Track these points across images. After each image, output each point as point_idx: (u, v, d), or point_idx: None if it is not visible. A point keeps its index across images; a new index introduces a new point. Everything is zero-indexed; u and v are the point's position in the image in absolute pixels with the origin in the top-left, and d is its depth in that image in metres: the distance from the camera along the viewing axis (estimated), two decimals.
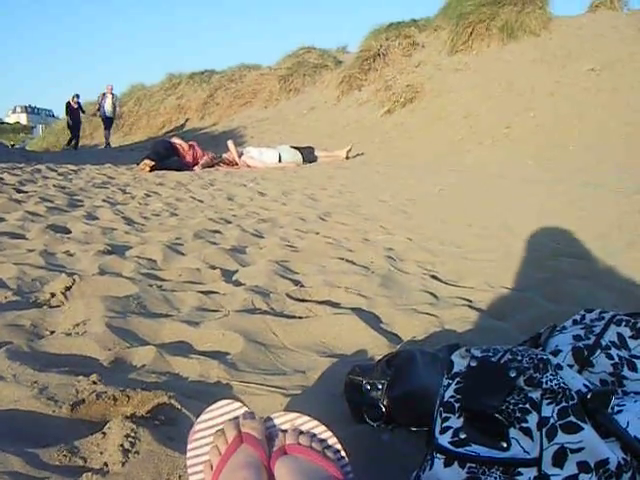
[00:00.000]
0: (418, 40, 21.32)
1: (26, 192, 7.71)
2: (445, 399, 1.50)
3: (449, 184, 9.41)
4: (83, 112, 27.87)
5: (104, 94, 27.45)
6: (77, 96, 27.50)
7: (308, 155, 14.85)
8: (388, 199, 8.09)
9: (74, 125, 27.56)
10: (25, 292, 3.41)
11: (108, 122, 27.94)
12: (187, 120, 28.33)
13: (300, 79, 25.19)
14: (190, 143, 14.33)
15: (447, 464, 1.42)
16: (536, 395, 1.40)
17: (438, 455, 1.45)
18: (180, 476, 1.63)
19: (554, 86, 15.10)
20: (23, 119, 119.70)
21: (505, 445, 1.36)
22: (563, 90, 14.82)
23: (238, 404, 1.56)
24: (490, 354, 1.52)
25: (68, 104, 27.17)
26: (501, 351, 1.51)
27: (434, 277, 3.99)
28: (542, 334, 1.84)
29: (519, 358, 1.46)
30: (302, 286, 3.71)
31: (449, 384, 1.52)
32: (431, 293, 3.60)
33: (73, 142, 27.84)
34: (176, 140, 14.56)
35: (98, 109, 27.80)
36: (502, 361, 1.48)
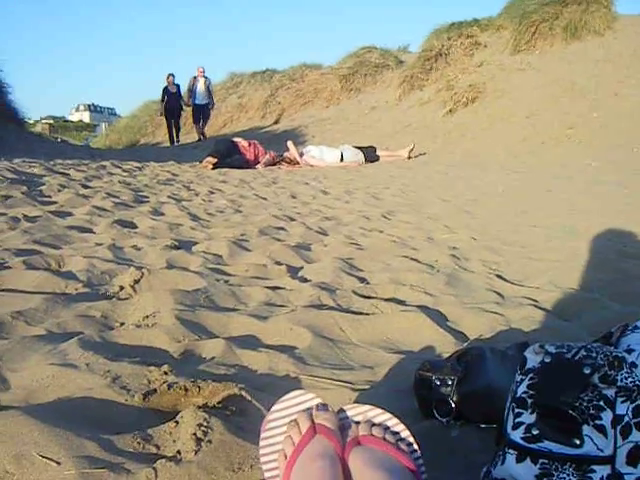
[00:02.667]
0: (480, 40, 21.14)
1: (92, 187, 7.83)
2: (518, 395, 1.49)
3: (512, 184, 9.33)
4: (182, 98, 24.33)
5: (195, 78, 23.89)
6: (172, 76, 23.96)
7: (370, 154, 14.82)
8: (451, 199, 8.05)
9: (172, 113, 24.16)
10: (95, 284, 3.46)
11: (200, 111, 24.25)
12: (249, 119, 28.38)
13: (361, 79, 25.12)
14: (251, 141, 14.38)
15: (519, 460, 1.42)
16: (611, 393, 1.39)
17: (510, 450, 1.44)
18: (252, 465, 1.65)
19: (618, 86, 14.87)
20: (86, 117, 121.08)
21: (578, 442, 1.35)
22: (627, 90, 14.58)
23: (311, 395, 1.57)
24: (564, 350, 1.51)
25: (165, 89, 23.84)
26: (575, 348, 1.50)
27: (499, 276, 3.96)
28: (613, 333, 1.82)
29: (594, 355, 1.45)
30: (368, 283, 3.72)
31: (522, 380, 1.51)
32: (497, 292, 3.58)
33: (175, 135, 24.79)
34: (237, 139, 14.63)
35: (189, 96, 24.00)
36: (577, 358, 1.47)
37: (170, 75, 23.83)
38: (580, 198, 7.58)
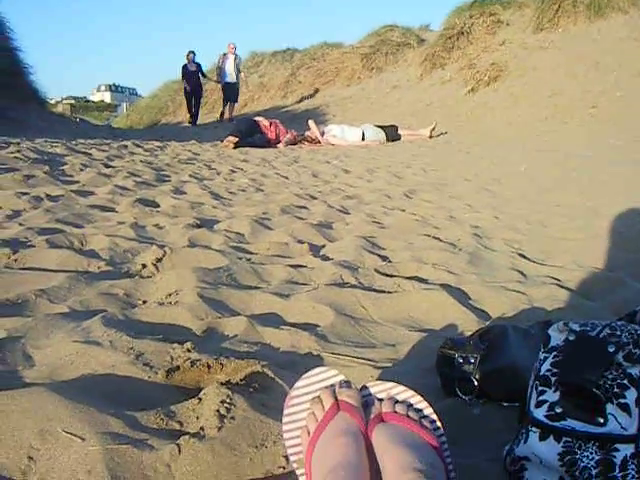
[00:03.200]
0: (502, 18, 20.95)
1: (114, 167, 7.85)
2: (541, 373, 1.49)
3: (534, 163, 9.27)
4: (204, 76, 23.45)
5: (225, 55, 22.88)
6: (193, 54, 22.84)
7: (391, 133, 14.79)
8: (473, 178, 8.03)
9: (193, 93, 23.32)
10: (117, 263, 3.48)
11: (229, 90, 23.12)
12: (270, 98, 28.30)
13: (382, 57, 25.02)
14: (272, 121, 14.37)
15: (542, 437, 1.42)
16: (635, 371, 1.38)
17: (533, 428, 1.44)
18: (275, 442, 1.65)
19: None
20: (107, 97, 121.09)
21: (602, 420, 1.36)
22: None
23: (334, 372, 1.57)
24: (589, 328, 1.50)
25: (184, 67, 22.77)
26: (600, 326, 1.49)
27: (521, 255, 3.95)
28: (637, 312, 1.81)
29: (618, 333, 1.45)
30: (390, 261, 3.72)
31: (545, 358, 1.51)
32: (519, 271, 3.57)
33: (191, 115, 23.90)
34: (258, 118, 14.62)
35: (218, 74, 23.08)
36: (601, 336, 1.47)
37: (190, 52, 22.86)
38: (603, 177, 7.54)
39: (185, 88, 23.34)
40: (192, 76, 22.87)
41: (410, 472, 1.23)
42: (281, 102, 27.06)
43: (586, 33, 17.33)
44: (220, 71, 22.97)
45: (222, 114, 24.11)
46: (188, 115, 24.35)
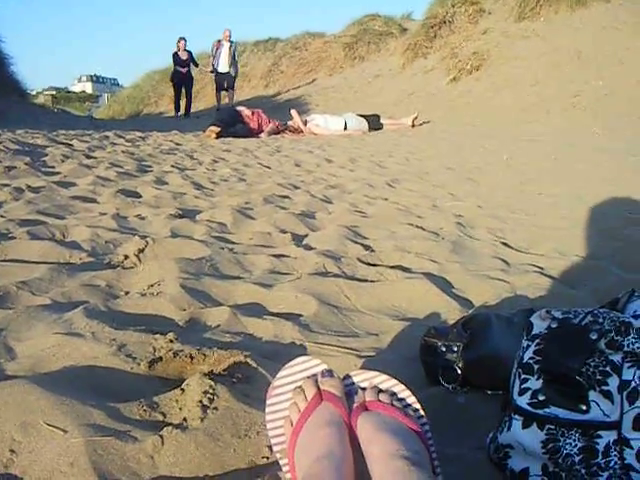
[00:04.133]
0: (485, 7, 20.97)
1: (95, 158, 7.81)
2: (524, 360, 1.50)
3: (517, 152, 9.30)
4: (195, 65, 22.21)
5: (219, 42, 21.69)
6: (184, 40, 21.72)
7: (374, 123, 14.78)
8: (455, 167, 8.04)
9: (183, 82, 22.03)
10: (99, 254, 3.47)
11: (223, 80, 21.91)
12: (252, 88, 28.24)
13: (365, 47, 25.04)
14: (254, 110, 14.33)
15: (525, 425, 1.43)
16: (617, 358, 1.39)
17: (516, 416, 1.45)
18: (258, 432, 1.65)
19: (624, 54, 14.76)
20: (89, 88, 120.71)
21: (585, 408, 1.37)
22: (633, 58, 14.47)
23: (317, 361, 1.57)
24: (571, 316, 1.51)
25: (175, 55, 21.70)
26: (582, 313, 1.50)
27: (504, 244, 3.96)
28: (620, 299, 1.81)
29: (600, 320, 1.46)
30: (373, 251, 3.72)
31: (528, 346, 1.51)
32: (502, 259, 3.58)
33: (183, 107, 22.51)
34: (240, 107, 14.59)
35: (212, 62, 21.78)
36: (583, 323, 1.47)
37: (181, 39, 21.78)
38: (585, 166, 7.57)
39: (174, 77, 22.27)
40: (183, 65, 21.85)
41: (398, 459, 1.23)
42: (263, 92, 27.04)
43: (568, 22, 17.37)
44: (214, 59, 21.75)
45: (219, 102, 22.62)
46: (173, 105, 23.45)
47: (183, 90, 22.43)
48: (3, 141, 8.27)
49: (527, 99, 14.97)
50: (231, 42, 21.72)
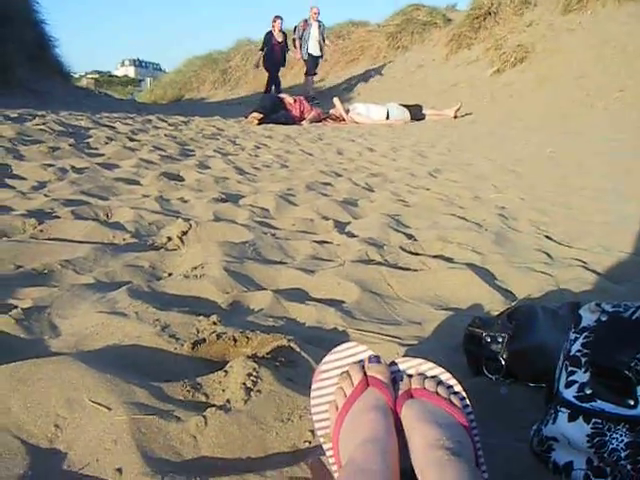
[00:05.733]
0: None
1: (139, 141, 7.85)
2: (572, 353, 1.47)
3: (560, 146, 9.23)
4: (287, 49, 19.69)
5: (305, 21, 19.39)
6: (280, 19, 19.12)
7: (416, 113, 14.75)
8: (498, 158, 8.00)
9: (272, 65, 19.50)
10: (142, 235, 3.49)
11: (316, 63, 20.00)
12: (294, 76, 28.17)
13: (408, 37, 24.83)
14: (297, 98, 14.33)
15: (571, 418, 1.40)
16: None
17: (562, 409, 1.43)
18: (301, 416, 1.65)
19: None
20: (131, 72, 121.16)
21: (632, 403, 1.34)
22: None
23: (363, 347, 1.56)
24: (621, 309, 1.49)
25: (269, 35, 19.17)
26: (633, 307, 1.48)
27: (547, 237, 3.94)
28: None
29: None
30: (415, 240, 3.71)
31: (576, 338, 1.49)
32: (545, 252, 3.55)
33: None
34: (283, 95, 14.59)
35: (300, 45, 19.37)
36: (634, 317, 1.45)
37: (277, 18, 19.22)
38: (629, 161, 7.49)
39: (267, 61, 19.49)
40: (277, 46, 19.29)
41: (438, 449, 1.22)
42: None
43: (615, 16, 17.12)
44: (301, 42, 19.44)
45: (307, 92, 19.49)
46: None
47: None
48: (47, 122, 8.33)
49: (571, 93, 14.81)
50: (319, 22, 19.53)
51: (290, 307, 2.50)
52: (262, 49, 19.41)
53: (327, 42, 20.10)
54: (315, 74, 20.63)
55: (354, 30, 28.01)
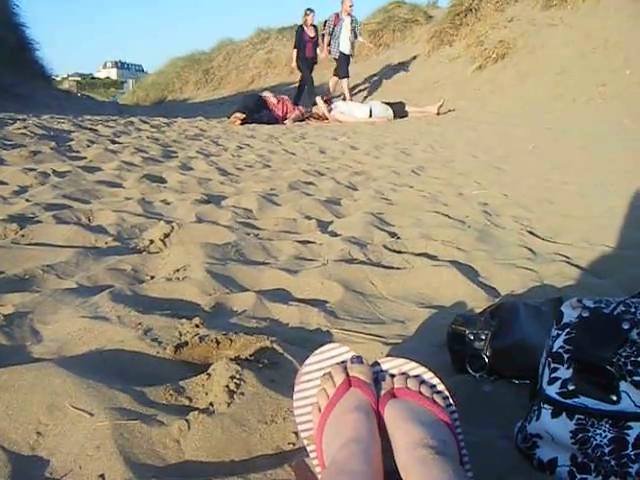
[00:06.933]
0: None
1: (121, 143, 7.83)
2: (554, 349, 1.48)
3: (543, 141, 9.27)
4: (318, 45, 17.51)
5: (337, 16, 17.24)
6: (312, 13, 17.19)
7: (399, 110, 14.76)
8: (481, 155, 8.03)
9: (305, 64, 17.40)
10: (125, 238, 3.48)
11: (344, 63, 17.56)
12: (277, 75, 28.14)
13: (390, 34, 24.86)
14: (280, 97, 14.31)
15: (555, 415, 1.41)
16: None
17: (545, 406, 1.43)
18: (284, 418, 1.65)
19: None
20: (113, 74, 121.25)
21: (615, 398, 1.35)
22: None
23: (346, 348, 1.56)
24: (603, 305, 1.49)
25: (301, 30, 17.30)
26: (614, 303, 1.48)
27: (530, 232, 3.96)
28: None
29: (633, 310, 1.44)
30: (398, 238, 3.71)
31: (558, 334, 1.50)
32: (528, 248, 3.57)
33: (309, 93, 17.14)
34: (266, 94, 14.53)
35: (329, 42, 17.30)
36: (615, 313, 1.45)
37: (310, 11, 17.27)
38: (612, 155, 7.52)
39: (298, 58, 17.47)
40: (309, 43, 17.39)
41: (421, 448, 1.22)
42: (288, 79, 26.95)
43: (595, 10, 17.18)
44: (330, 38, 17.37)
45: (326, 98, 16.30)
46: (297, 93, 17.87)
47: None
48: (29, 126, 8.31)
49: (553, 88, 14.87)
50: (352, 17, 17.35)
51: (273, 308, 2.50)
52: (295, 46, 17.44)
53: (361, 39, 18.04)
54: (348, 76, 18.07)
55: None
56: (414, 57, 22.17)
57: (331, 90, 18.14)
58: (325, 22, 17.67)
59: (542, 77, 15.69)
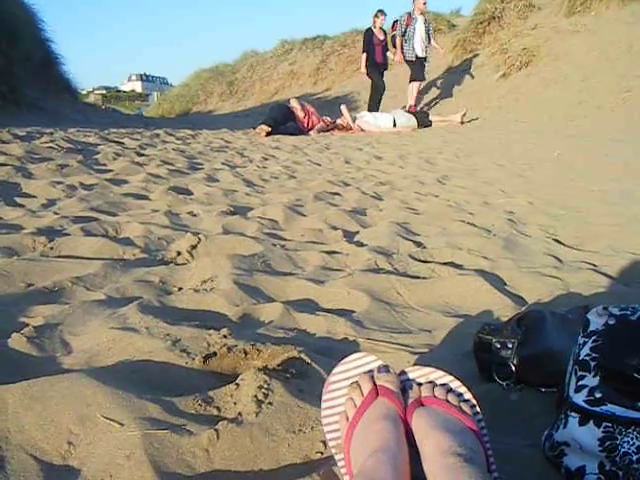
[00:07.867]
0: (534, 2, 20.69)
1: (147, 155, 7.87)
2: (581, 357, 1.48)
3: (567, 149, 9.22)
4: (387, 48, 16.59)
5: (409, 15, 16.00)
6: (384, 14, 16.28)
7: (423, 119, 14.74)
8: (506, 163, 8.00)
9: (375, 69, 16.59)
10: (152, 250, 3.50)
11: (419, 67, 16.44)
12: (301, 86, 28.17)
13: None
14: (306, 109, 14.21)
15: (582, 423, 1.41)
16: None
17: (573, 414, 1.43)
18: (312, 427, 1.65)
19: None
20: (138, 87, 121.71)
21: None
22: None
23: (373, 357, 1.56)
24: (629, 312, 1.49)
25: (369, 33, 16.36)
26: None
27: (556, 241, 3.94)
28: None
29: None
30: (424, 247, 3.71)
31: (585, 342, 1.50)
32: (555, 256, 3.55)
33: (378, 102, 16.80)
34: (293, 103, 14.35)
35: (401, 44, 16.07)
36: None
37: (381, 13, 16.31)
38: (637, 162, 7.47)
39: (367, 63, 16.54)
40: (379, 47, 16.44)
41: (450, 456, 1.22)
42: (312, 89, 27.00)
43: (619, 16, 17.08)
44: (402, 40, 16.12)
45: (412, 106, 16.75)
46: (370, 102, 17.10)
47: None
48: (55, 139, 8.35)
49: (578, 95, 14.80)
50: (426, 18, 16.41)
51: (300, 318, 2.51)
52: (364, 50, 16.45)
53: (434, 43, 16.75)
54: (424, 79, 17.49)
55: (359, 39, 27.94)
56: (437, 66, 22.15)
57: (413, 97, 17.00)
58: (394, 23, 16.60)
59: (566, 84, 15.62)
